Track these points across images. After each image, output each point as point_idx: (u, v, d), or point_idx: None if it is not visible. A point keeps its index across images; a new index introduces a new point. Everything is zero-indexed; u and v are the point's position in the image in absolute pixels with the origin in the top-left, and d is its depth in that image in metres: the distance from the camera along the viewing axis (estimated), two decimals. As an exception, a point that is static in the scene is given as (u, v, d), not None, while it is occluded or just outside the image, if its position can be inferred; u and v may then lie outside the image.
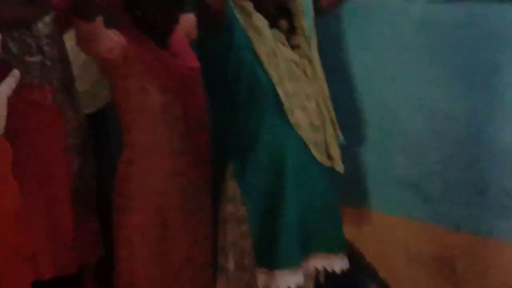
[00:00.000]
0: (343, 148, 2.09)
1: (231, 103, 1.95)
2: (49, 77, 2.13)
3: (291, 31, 2.03)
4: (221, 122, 2.02)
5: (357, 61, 2.41)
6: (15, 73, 0.94)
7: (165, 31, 2.12)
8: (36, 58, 2.09)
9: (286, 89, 1.93)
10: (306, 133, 1.96)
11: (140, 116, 2.09)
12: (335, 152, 2.04)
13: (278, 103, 1.92)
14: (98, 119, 2.70)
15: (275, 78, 1.91)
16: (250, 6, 1.93)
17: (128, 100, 2.09)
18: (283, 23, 2.03)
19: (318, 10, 2.10)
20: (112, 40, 1.98)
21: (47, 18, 2.11)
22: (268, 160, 1.95)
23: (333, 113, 2.05)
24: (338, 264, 2.11)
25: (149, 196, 2.13)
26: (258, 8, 1.94)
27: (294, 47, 2.01)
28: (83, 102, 2.53)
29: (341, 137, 2.08)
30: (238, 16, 1.91)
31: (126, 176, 2.14)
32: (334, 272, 2.11)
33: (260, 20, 1.92)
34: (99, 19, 1.90)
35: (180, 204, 2.16)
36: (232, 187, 1.98)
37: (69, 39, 2.25)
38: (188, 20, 2.10)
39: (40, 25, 2.09)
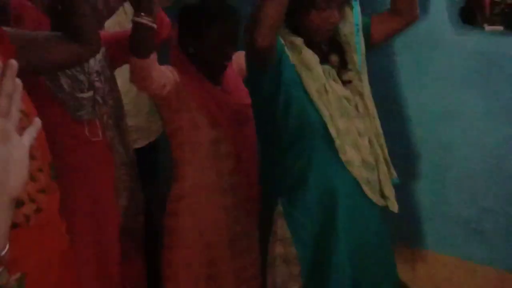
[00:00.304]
0: (397, 186, 2.02)
1: (280, 140, 1.91)
2: (99, 113, 2.14)
3: (342, 66, 1.99)
4: (270, 159, 1.99)
5: (411, 96, 2.35)
6: (37, 121, 0.92)
7: (218, 68, 2.13)
8: (88, 94, 2.10)
9: (337, 126, 1.88)
10: (358, 171, 1.90)
11: (191, 151, 2.10)
12: (389, 190, 1.97)
13: (329, 141, 1.87)
14: (150, 152, 2.70)
15: (325, 115, 1.87)
16: (300, 41, 1.90)
17: (180, 135, 2.11)
18: (334, 58, 1.99)
19: (370, 45, 2.06)
20: (165, 76, 2.00)
21: (98, 55, 2.13)
22: (318, 199, 1.89)
23: (386, 151, 1.99)
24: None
25: (197, 233, 2.12)
26: (308, 43, 1.91)
27: (345, 82, 1.97)
28: (135, 136, 2.54)
29: (394, 175, 2.01)
30: (288, 51, 1.88)
31: (175, 212, 2.13)
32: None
33: (310, 56, 1.89)
34: (153, 56, 1.92)
35: (228, 241, 2.14)
36: (281, 227, 1.93)
37: (121, 74, 2.28)
38: (241, 57, 2.09)
39: (91, 61, 2.11)
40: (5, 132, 0.86)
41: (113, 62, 2.21)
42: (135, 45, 1.89)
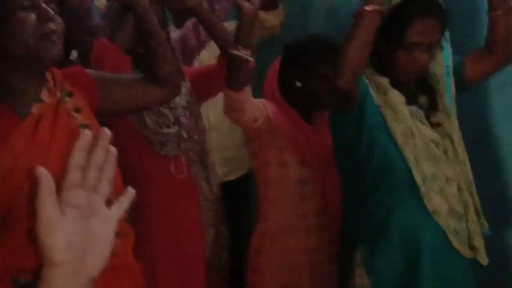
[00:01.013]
0: (488, 237, 1.89)
1: (362, 184, 1.84)
2: (184, 148, 2.15)
3: (431, 108, 1.90)
4: (352, 202, 1.92)
5: (504, 139, 2.20)
6: (130, 191, 0.88)
7: (318, 105, 2.11)
8: (173, 130, 2.12)
9: (423, 172, 1.78)
10: (445, 221, 1.79)
11: (278, 188, 2.10)
12: (479, 242, 1.84)
13: (414, 187, 1.78)
14: (241, 185, 2.70)
15: (411, 160, 1.78)
16: (386, 82, 1.83)
17: (267, 171, 2.11)
18: (423, 99, 1.90)
19: (462, 84, 1.95)
20: (258, 110, 2.00)
21: (184, 89, 2.15)
22: (401, 249, 1.80)
23: (477, 199, 1.87)
24: None
25: (280, 272, 2.10)
26: (395, 84, 1.83)
27: (434, 125, 1.87)
28: (227, 168, 2.55)
29: (485, 226, 1.88)
30: (372, 92, 1.82)
31: (259, 250, 2.13)
32: None
33: (396, 97, 1.81)
34: (248, 89, 1.93)
35: (309, 283, 2.11)
36: (360, 276, 1.85)
37: (214, 106, 2.30)
38: None
39: (177, 97, 2.13)
40: (91, 208, 0.82)
41: (198, 97, 2.23)
42: (230, 78, 1.91)
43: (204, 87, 2.21)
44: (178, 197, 2.11)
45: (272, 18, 2.61)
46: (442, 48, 1.87)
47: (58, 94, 1.45)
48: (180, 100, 2.13)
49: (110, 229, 0.84)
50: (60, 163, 1.34)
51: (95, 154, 0.82)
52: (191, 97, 2.19)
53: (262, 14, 2.57)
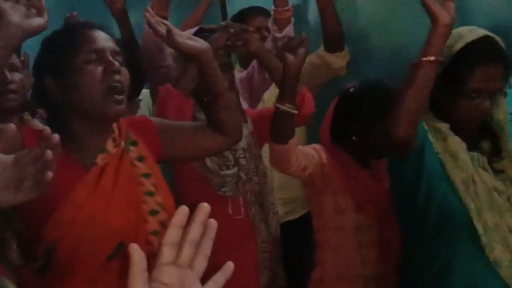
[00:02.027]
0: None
1: (420, 232, 1.80)
2: (243, 190, 2.18)
3: (494, 154, 1.85)
4: (411, 251, 1.88)
5: None
6: (229, 267, 0.86)
7: (376, 154, 2.09)
8: (232, 171, 2.16)
9: (484, 221, 1.73)
10: (507, 272, 1.72)
11: (334, 234, 2.08)
12: (543, 294, 1.77)
13: (475, 236, 1.73)
14: (302, 224, 2.69)
15: (471, 209, 1.73)
16: (446, 127, 1.79)
17: (323, 217, 2.10)
18: (486, 145, 1.86)
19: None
20: (307, 159, 1.99)
21: (245, 131, 2.18)
22: (461, 301, 1.75)
23: (542, 250, 1.80)
24: None
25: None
26: (455, 130, 1.80)
27: (497, 172, 1.82)
28: (288, 208, 2.55)
29: (553, 278, 1.80)
30: (432, 138, 1.78)
31: (314, 296, 2.10)
32: None
33: (456, 143, 1.78)
34: (293, 141, 1.92)
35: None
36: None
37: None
38: None
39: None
40: (184, 285, 0.79)
41: (260, 139, 2.25)
42: (275, 131, 1.92)
43: (266, 129, 2.23)
44: (234, 238, 2.12)
45: (338, 60, 2.60)
46: (505, 95, 1.83)
47: (123, 143, 1.51)
48: (241, 142, 2.16)
49: None
50: (121, 214, 1.41)
51: (193, 229, 0.80)
52: (252, 138, 2.22)
53: (328, 56, 2.60)
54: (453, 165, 1.76)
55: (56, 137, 1.03)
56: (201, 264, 0.81)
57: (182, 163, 1.97)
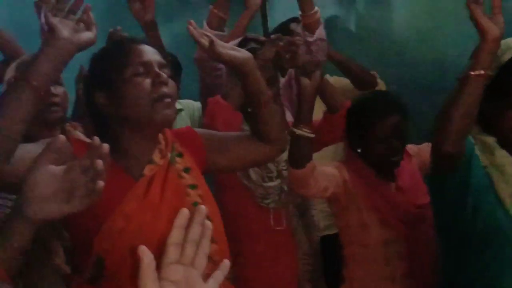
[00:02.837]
0: None
1: (466, 247, 1.77)
2: (285, 201, 2.18)
3: (542, 168, 1.81)
4: (454, 265, 1.85)
5: None
6: (226, 264, 0.93)
7: (387, 164, 2.08)
8: (275, 183, 2.17)
9: (532, 236, 1.70)
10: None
11: (360, 250, 2.06)
12: None
13: (523, 252, 1.70)
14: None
15: (519, 223, 1.70)
16: (493, 141, 1.77)
17: (349, 234, 2.09)
18: (533, 159, 1.82)
19: None
20: (326, 179, 1.98)
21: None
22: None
23: None
24: None
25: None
26: (503, 143, 1.77)
27: (545, 186, 1.79)
28: (326, 222, 2.54)
29: None
30: (478, 152, 1.76)
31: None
32: None
33: (503, 157, 1.75)
34: (311, 165, 1.92)
35: None
36: None
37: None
38: (423, 152, 2.03)
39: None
40: (189, 282, 0.85)
41: None
42: (291, 156, 1.92)
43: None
44: (275, 249, 2.13)
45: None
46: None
47: (169, 155, 1.53)
48: (283, 154, 2.17)
49: None
50: (168, 225, 1.42)
51: (192, 230, 0.87)
52: None
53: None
54: (500, 179, 1.73)
55: (105, 146, 1.04)
56: (202, 262, 0.88)
57: (226, 173, 1.98)
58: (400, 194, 2.07)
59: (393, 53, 2.77)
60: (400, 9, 3.00)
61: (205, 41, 1.55)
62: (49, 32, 1.31)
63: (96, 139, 1.06)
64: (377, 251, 2.03)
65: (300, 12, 2.44)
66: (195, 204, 1.50)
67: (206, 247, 0.88)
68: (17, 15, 3.06)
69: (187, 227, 0.89)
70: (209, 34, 1.60)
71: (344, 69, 2.77)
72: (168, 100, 1.47)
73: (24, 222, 1.02)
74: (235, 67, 1.62)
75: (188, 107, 2.65)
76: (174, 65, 2.14)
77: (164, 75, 1.47)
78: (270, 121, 1.67)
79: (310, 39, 2.52)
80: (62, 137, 1.05)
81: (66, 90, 1.92)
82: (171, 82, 1.50)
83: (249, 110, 1.71)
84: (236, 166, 1.75)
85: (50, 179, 1.00)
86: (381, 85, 2.68)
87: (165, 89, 1.47)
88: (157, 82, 1.46)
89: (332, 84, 2.21)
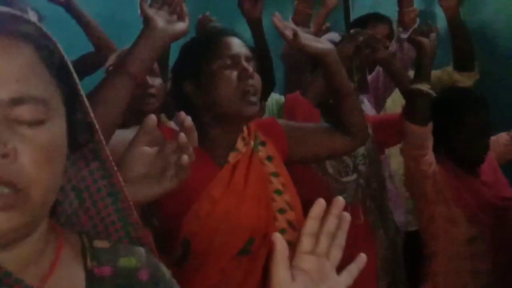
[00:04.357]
0: None
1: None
2: (362, 196, 2.18)
3: None
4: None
5: None
6: (362, 257, 0.91)
7: (476, 160, 2.05)
8: (352, 177, 2.16)
9: None
10: None
11: (445, 245, 2.04)
12: None
13: None
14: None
15: None
16: None
17: (434, 228, 2.07)
18: None
19: None
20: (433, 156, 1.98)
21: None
22: None
23: None
24: None
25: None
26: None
27: None
28: (410, 217, 2.51)
29: None
30: None
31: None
32: None
33: None
34: (430, 126, 1.93)
35: None
36: None
37: (396, 154, 2.31)
38: (496, 143, 2.00)
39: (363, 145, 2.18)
40: (322, 273, 0.84)
41: (380, 145, 2.25)
42: (413, 112, 1.93)
43: (385, 135, 2.23)
44: (353, 244, 2.10)
45: (465, 80, 2.53)
46: None
47: (252, 143, 1.57)
48: (361, 148, 2.16)
49: None
50: (251, 210, 1.47)
51: (329, 221, 0.85)
52: (372, 145, 2.22)
53: (456, 75, 2.54)
54: None
55: (188, 119, 1.06)
56: (337, 254, 0.86)
57: (305, 164, 1.98)
58: (486, 189, 2.05)
59: (482, 47, 2.69)
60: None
61: (289, 33, 1.58)
62: (145, 23, 1.37)
63: (182, 112, 1.09)
64: (463, 246, 2.01)
65: (397, 8, 2.43)
66: (278, 191, 1.54)
67: (342, 239, 0.87)
68: (106, 9, 3.20)
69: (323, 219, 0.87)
70: (293, 26, 1.62)
71: (455, 33, 2.63)
72: (253, 92, 1.51)
73: None
74: (318, 59, 1.63)
75: (272, 102, 2.69)
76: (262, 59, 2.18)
77: (251, 69, 1.51)
78: (351, 113, 1.68)
79: (403, 36, 2.51)
80: (152, 116, 1.08)
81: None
82: (256, 76, 1.54)
83: (331, 101, 1.72)
84: (315, 156, 1.76)
85: (144, 159, 1.04)
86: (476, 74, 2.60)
87: (250, 82, 1.51)
88: (244, 75, 1.50)
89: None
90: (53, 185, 0.68)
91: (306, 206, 2.05)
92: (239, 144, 1.56)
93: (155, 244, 1.67)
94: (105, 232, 0.82)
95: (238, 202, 1.46)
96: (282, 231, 1.49)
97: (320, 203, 0.86)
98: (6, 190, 0.63)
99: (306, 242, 0.85)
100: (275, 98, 2.66)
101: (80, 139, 0.76)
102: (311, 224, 0.85)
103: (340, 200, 0.86)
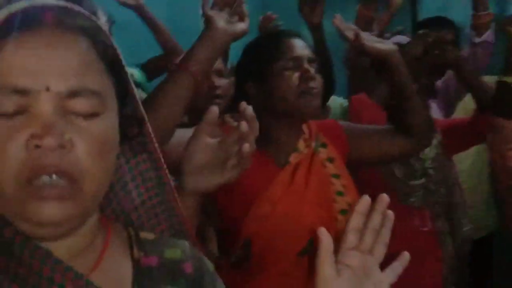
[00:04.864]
0: None
1: None
2: (430, 201, 2.13)
3: None
4: None
5: None
6: (405, 257, 0.90)
7: None
8: (420, 181, 2.11)
9: None
10: None
11: None
12: None
13: None
14: (486, 245, 2.57)
15: None
16: None
17: None
18: None
19: None
20: None
21: (434, 141, 2.13)
22: None
23: None
24: None
25: None
26: None
27: None
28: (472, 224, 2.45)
29: None
30: None
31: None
32: None
33: None
34: None
35: None
36: None
37: (459, 161, 2.24)
38: None
39: (427, 148, 2.13)
40: (366, 269, 0.85)
41: (449, 150, 2.19)
42: (504, 106, 1.87)
43: (455, 140, 2.17)
44: (419, 250, 2.05)
45: None
46: None
47: (313, 144, 1.56)
48: (430, 152, 2.11)
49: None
50: (312, 211, 1.46)
51: (373, 218, 0.86)
52: (441, 149, 2.16)
53: None
54: None
55: (249, 108, 1.07)
56: (381, 251, 0.86)
57: (369, 165, 1.95)
58: None
59: None
60: None
61: (350, 34, 1.57)
62: (206, 23, 1.39)
63: (243, 103, 1.08)
64: None
65: (471, 11, 2.36)
66: (339, 193, 1.52)
67: (386, 236, 0.87)
68: (173, 14, 3.27)
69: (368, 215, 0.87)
70: (354, 27, 1.61)
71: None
72: (314, 94, 1.51)
73: (184, 195, 1.07)
74: (380, 59, 1.61)
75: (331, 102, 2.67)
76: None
77: (312, 70, 1.52)
78: (415, 114, 1.64)
79: (476, 40, 2.44)
80: (215, 108, 1.09)
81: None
82: (318, 77, 1.53)
83: (393, 102, 1.69)
84: (378, 158, 1.71)
85: (206, 150, 1.05)
86: None
87: (312, 84, 1.51)
88: (305, 77, 1.50)
89: (484, 81, 2.12)
90: (105, 177, 0.70)
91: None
92: (301, 145, 1.56)
93: (218, 244, 1.69)
94: (149, 224, 0.83)
95: (299, 203, 1.45)
96: (343, 233, 1.47)
97: (365, 199, 0.87)
98: (61, 181, 0.65)
99: (350, 238, 0.86)
100: (338, 101, 2.64)
101: (130, 132, 0.77)
102: (356, 220, 0.86)
103: (384, 197, 0.86)
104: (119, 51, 0.73)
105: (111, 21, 2.42)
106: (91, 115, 0.67)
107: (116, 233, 0.78)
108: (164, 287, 0.75)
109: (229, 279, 1.47)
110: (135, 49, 2.35)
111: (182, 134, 1.35)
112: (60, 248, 0.69)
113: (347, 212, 1.51)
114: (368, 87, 2.19)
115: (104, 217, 0.79)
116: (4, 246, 0.67)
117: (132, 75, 2.20)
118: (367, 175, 2.11)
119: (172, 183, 0.85)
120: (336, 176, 1.55)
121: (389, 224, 0.87)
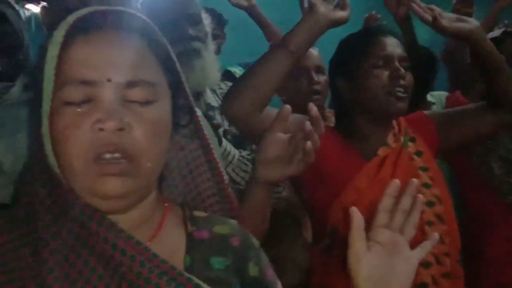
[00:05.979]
0: None
1: None
2: None
3: None
4: None
5: None
6: (435, 237, 0.98)
7: None
8: None
9: None
10: None
11: None
12: None
13: None
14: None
15: None
16: None
17: None
18: None
19: None
20: None
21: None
22: None
23: None
24: None
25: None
26: None
27: None
28: None
29: None
30: None
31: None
32: None
33: None
34: None
35: None
36: None
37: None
38: None
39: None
40: (395, 247, 0.93)
41: None
42: None
43: None
44: None
45: None
46: None
47: (402, 139, 1.59)
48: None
49: (411, 269, 0.93)
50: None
51: (403, 200, 0.95)
52: None
53: None
54: None
55: (315, 109, 1.12)
56: (410, 230, 0.94)
57: (464, 146, 1.86)
58: None
59: None
60: None
61: (428, 16, 1.54)
62: (309, 8, 1.44)
63: (311, 104, 1.14)
64: None
65: None
66: (426, 185, 1.54)
67: (415, 217, 0.94)
68: (284, 15, 3.35)
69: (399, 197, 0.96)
70: (433, 7, 1.57)
71: None
72: (403, 93, 1.52)
73: (254, 183, 1.18)
74: (462, 38, 1.58)
75: (440, 100, 2.62)
76: (427, 59, 2.14)
77: (402, 70, 1.53)
78: (507, 87, 1.59)
79: None
80: (287, 106, 1.16)
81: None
82: (408, 75, 1.54)
83: (484, 79, 1.64)
84: (471, 138, 1.66)
85: (278, 144, 1.14)
86: None
87: (401, 83, 1.52)
88: (395, 75, 1.52)
89: None
90: (160, 156, 0.81)
91: (474, 207, 2.02)
92: (390, 139, 1.58)
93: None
94: (202, 205, 0.93)
95: (383, 193, 1.47)
96: (429, 224, 1.49)
97: (395, 183, 0.96)
98: (122, 160, 0.76)
99: (381, 217, 0.94)
100: (444, 95, 2.58)
101: (182, 121, 0.89)
102: (386, 201, 0.95)
103: (414, 181, 0.94)
104: (170, 48, 0.84)
105: (223, 21, 2.58)
106: (146, 103, 0.79)
107: (172, 210, 0.89)
108: (213, 257, 0.85)
109: (321, 265, 1.53)
110: (250, 48, 2.45)
111: (272, 113, 1.41)
112: (123, 221, 0.80)
113: (433, 204, 1.51)
114: (464, 85, 2.14)
115: (163, 197, 0.90)
116: (76, 217, 0.77)
117: (235, 72, 2.33)
118: (465, 177, 2.07)
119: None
120: (424, 169, 1.56)
121: (419, 206, 0.94)
